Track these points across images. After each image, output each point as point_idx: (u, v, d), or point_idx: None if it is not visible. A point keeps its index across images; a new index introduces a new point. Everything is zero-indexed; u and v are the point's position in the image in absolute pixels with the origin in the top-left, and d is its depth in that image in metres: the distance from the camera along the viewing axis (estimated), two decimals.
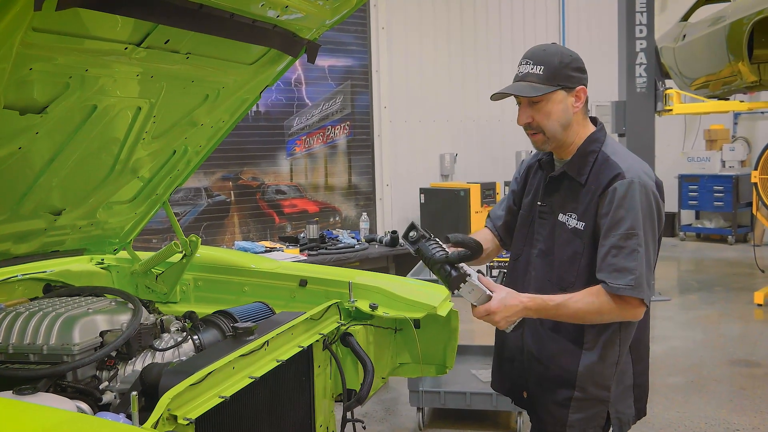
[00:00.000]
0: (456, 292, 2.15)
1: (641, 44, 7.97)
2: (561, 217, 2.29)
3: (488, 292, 2.13)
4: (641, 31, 7.96)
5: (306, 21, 2.58)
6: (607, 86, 9.76)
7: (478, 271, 2.23)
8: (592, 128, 2.32)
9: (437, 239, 2.23)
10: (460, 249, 2.21)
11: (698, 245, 12.06)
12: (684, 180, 12.22)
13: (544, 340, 2.30)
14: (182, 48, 2.27)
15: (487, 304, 2.12)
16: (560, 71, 2.20)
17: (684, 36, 8.70)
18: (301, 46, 2.69)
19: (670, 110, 8.52)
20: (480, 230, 2.64)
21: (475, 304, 2.14)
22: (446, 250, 2.19)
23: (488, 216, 2.66)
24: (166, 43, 2.20)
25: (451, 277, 2.13)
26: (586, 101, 2.29)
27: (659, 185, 2.25)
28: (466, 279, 2.12)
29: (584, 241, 2.22)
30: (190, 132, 2.77)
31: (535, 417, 2.41)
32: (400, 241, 2.35)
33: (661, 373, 5.71)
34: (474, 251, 2.21)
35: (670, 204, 12.74)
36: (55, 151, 2.31)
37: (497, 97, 2.25)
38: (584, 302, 2.14)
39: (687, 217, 12.78)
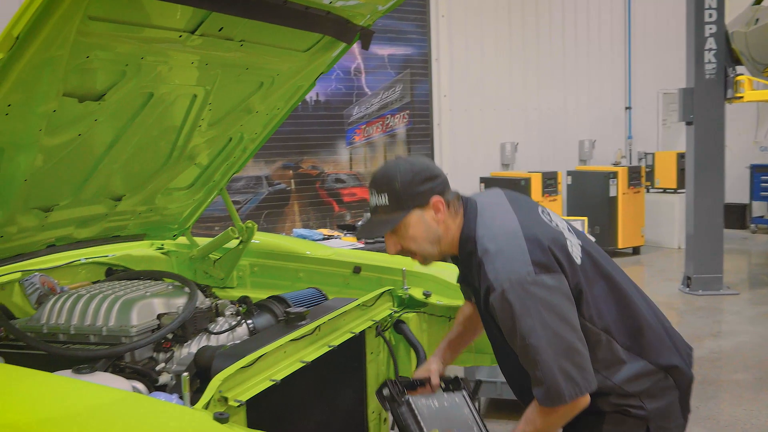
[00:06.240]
0: None
1: (710, 29, 7.68)
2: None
3: None
4: (710, 16, 7.68)
5: (359, 7, 2.57)
6: (675, 73, 9.46)
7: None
8: (461, 221, 2.11)
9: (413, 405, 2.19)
10: None
11: None
12: (756, 170, 11.80)
13: None
14: (236, 35, 2.29)
15: None
16: (405, 193, 2.04)
17: (757, 20, 8.36)
18: (355, 32, 2.67)
19: (741, 97, 8.21)
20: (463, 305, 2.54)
21: None
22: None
23: None
24: (220, 30, 2.21)
25: None
26: (449, 203, 2.09)
27: (544, 240, 1.99)
28: None
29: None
30: (245, 119, 2.79)
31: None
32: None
33: (728, 369, 5.53)
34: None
35: (741, 195, 12.32)
36: (113, 138, 2.35)
37: (363, 236, 2.27)
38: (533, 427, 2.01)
39: (758, 208, 12.33)
